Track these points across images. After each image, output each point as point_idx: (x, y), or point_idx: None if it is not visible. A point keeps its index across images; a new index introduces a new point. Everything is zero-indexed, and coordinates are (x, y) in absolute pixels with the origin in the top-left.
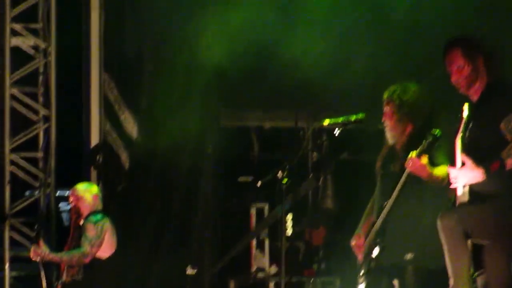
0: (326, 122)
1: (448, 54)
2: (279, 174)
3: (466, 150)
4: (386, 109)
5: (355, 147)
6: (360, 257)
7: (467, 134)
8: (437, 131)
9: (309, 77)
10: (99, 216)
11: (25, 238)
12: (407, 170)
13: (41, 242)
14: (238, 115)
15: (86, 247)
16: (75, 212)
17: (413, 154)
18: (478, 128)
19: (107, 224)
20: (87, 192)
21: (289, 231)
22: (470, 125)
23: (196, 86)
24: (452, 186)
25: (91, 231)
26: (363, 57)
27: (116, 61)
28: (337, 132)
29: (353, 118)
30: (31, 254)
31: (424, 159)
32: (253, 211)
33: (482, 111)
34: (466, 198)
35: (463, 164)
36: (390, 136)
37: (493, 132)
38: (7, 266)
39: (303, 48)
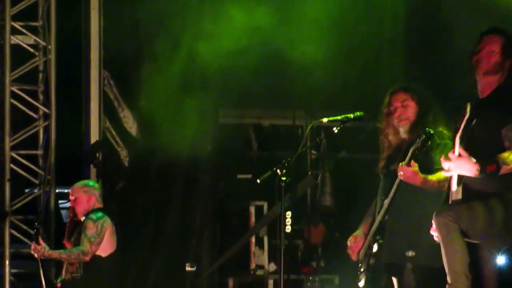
0: (325, 120)
1: (488, 36)
2: (278, 171)
3: (465, 145)
4: (401, 98)
5: (353, 145)
6: (354, 257)
7: (468, 128)
8: (430, 129)
9: (307, 75)
10: (99, 214)
11: (25, 235)
12: (398, 179)
13: (41, 240)
14: (236, 113)
15: (85, 245)
16: (71, 211)
17: (402, 163)
18: (482, 126)
19: (107, 222)
20: (80, 192)
21: (288, 229)
22: (474, 121)
23: (195, 83)
24: (445, 173)
25: (91, 229)
26: (362, 56)
27: (116, 59)
28: (336, 130)
29: (352, 116)
30: (32, 250)
31: (415, 166)
32: (252, 209)
33: (489, 109)
34: (459, 195)
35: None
36: (406, 129)
37: (495, 134)
38: (7, 263)
39: (302, 47)
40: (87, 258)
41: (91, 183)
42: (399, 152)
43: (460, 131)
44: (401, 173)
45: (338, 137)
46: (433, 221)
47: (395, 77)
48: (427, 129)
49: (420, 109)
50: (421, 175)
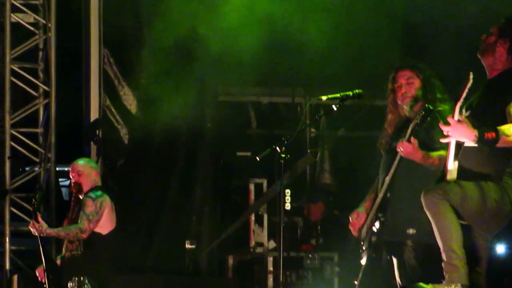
0: (324, 97)
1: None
2: (277, 149)
3: (466, 117)
4: (406, 75)
5: (352, 123)
6: (355, 233)
7: (471, 108)
8: (430, 105)
9: (306, 53)
10: (98, 192)
11: (25, 213)
12: (399, 156)
13: (39, 218)
14: (236, 91)
15: (83, 223)
16: (75, 187)
17: (402, 139)
18: (483, 107)
19: (106, 200)
20: (87, 167)
21: (288, 207)
22: (478, 98)
23: (195, 62)
24: (444, 140)
25: (89, 207)
26: (362, 33)
27: (116, 37)
28: (335, 107)
29: (350, 93)
30: (30, 228)
31: (415, 142)
32: (251, 187)
33: (495, 88)
34: (454, 175)
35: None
36: (410, 106)
37: (499, 112)
38: (7, 240)
39: (302, 25)
40: (85, 236)
41: (92, 160)
42: (402, 129)
43: (461, 100)
44: (401, 149)
45: (337, 115)
46: (422, 200)
47: (393, 55)
48: (426, 105)
49: (425, 87)
50: (422, 151)
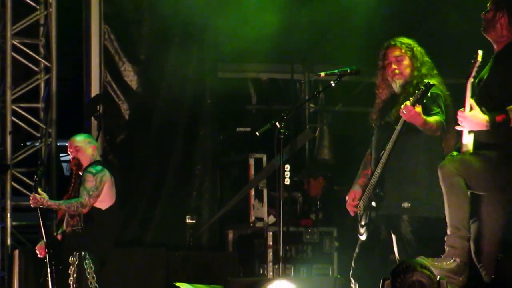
0: (322, 74)
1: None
2: (277, 124)
3: (477, 96)
4: (395, 53)
5: (350, 99)
6: (352, 213)
7: (482, 81)
8: (431, 80)
9: (305, 30)
10: (98, 167)
11: (27, 188)
12: (402, 119)
13: (40, 190)
14: (235, 67)
15: (84, 198)
16: (74, 163)
17: (407, 102)
18: (494, 77)
19: (106, 175)
20: (85, 143)
21: (287, 182)
22: (488, 71)
23: (195, 38)
24: (457, 128)
25: (89, 182)
26: (360, 10)
27: (116, 12)
28: (333, 83)
29: (348, 69)
30: (30, 201)
31: (418, 108)
32: (251, 161)
33: (503, 61)
34: (469, 147)
35: (471, 109)
36: (399, 84)
37: (508, 85)
38: (8, 215)
39: (301, 2)
40: (85, 211)
41: (90, 136)
42: (392, 105)
43: (471, 77)
44: (405, 112)
45: (336, 90)
46: (438, 173)
47: (390, 32)
48: (426, 80)
49: (414, 64)
50: (423, 116)
